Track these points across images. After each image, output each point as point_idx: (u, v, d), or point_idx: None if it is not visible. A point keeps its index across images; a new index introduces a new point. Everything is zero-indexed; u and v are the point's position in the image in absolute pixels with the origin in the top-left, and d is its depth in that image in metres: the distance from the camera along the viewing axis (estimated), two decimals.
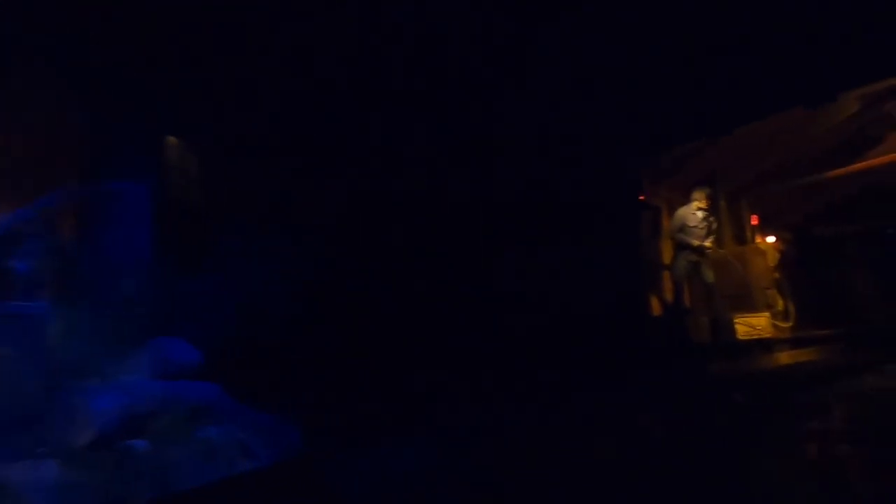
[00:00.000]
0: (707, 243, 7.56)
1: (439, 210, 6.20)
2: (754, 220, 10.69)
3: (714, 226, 7.76)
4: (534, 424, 3.70)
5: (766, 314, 7.71)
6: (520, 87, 6.39)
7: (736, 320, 7.22)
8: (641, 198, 7.73)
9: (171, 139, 5.27)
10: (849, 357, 8.94)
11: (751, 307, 7.97)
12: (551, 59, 6.30)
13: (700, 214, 7.58)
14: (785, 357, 8.01)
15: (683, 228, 7.57)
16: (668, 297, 8.04)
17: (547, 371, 4.85)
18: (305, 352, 4.52)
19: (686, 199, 7.77)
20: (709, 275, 7.60)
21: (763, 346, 7.45)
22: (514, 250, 6.37)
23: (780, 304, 9.43)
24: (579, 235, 6.94)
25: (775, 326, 8.37)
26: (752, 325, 7.41)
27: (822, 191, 11.80)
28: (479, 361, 5.10)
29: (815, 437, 3.09)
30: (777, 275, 9.39)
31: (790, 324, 9.16)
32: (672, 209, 8.16)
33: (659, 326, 7.17)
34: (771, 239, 10.75)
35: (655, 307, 7.98)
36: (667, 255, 8.22)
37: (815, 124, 8.76)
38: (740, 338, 7.21)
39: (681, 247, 7.61)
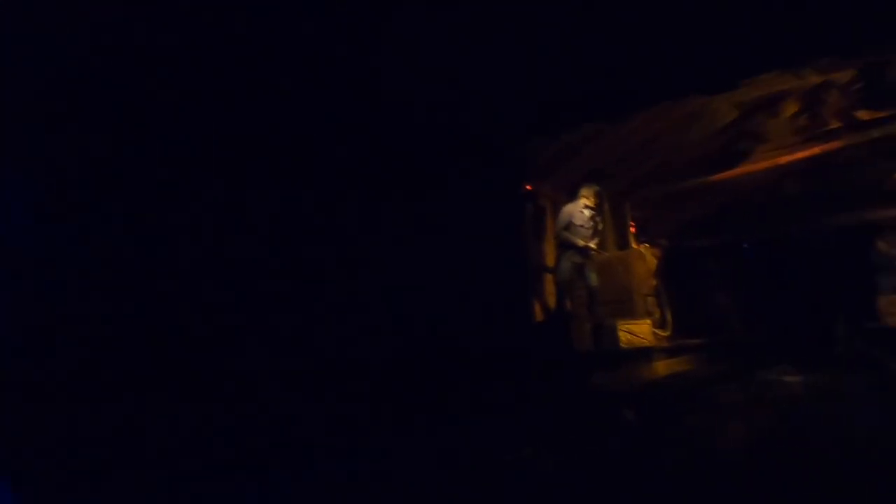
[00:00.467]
0: (593, 244, 7.03)
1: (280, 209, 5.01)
2: (632, 228, 10.51)
3: (600, 226, 7.27)
4: (380, 464, 2.71)
5: (648, 322, 7.32)
6: (380, 58, 5.38)
7: (619, 327, 6.72)
8: (528, 187, 7.05)
9: None
10: (720, 367, 8.87)
11: (632, 314, 7.56)
12: (417, 24, 5.36)
13: (587, 213, 7.05)
14: (664, 366, 7.69)
15: (569, 227, 6.99)
16: (551, 301, 7.42)
17: (406, 393, 3.90)
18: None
19: (571, 198, 7.22)
20: (593, 278, 7.07)
21: (645, 354, 7.02)
22: (370, 245, 5.32)
23: (658, 312, 9.22)
24: (453, 230, 6.08)
25: (654, 335, 8.05)
26: (634, 332, 6.96)
27: (692, 202, 12.01)
28: (329, 383, 4.02)
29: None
30: (655, 282, 9.19)
31: (668, 332, 8.95)
32: (557, 209, 7.60)
33: (541, 334, 6.49)
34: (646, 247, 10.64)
35: (537, 313, 7.33)
36: (550, 256, 7.62)
37: (695, 129, 8.64)
38: (623, 346, 6.71)
39: (565, 247, 7.02)
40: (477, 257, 6.30)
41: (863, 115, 9.11)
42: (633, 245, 9.24)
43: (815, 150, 10.31)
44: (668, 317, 9.32)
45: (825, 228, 13.02)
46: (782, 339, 14.53)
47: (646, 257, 8.76)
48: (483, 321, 6.23)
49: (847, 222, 11.06)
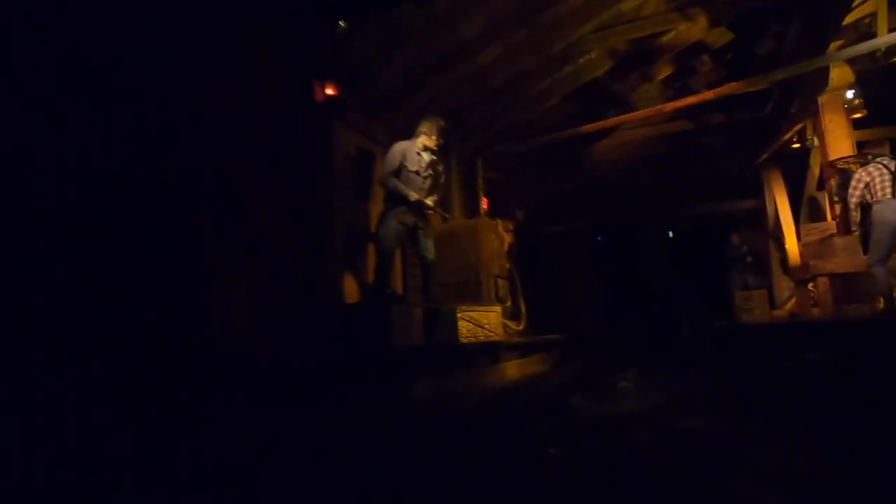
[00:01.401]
0: (430, 201, 5.11)
1: None
2: (485, 205, 8.89)
3: (442, 178, 5.39)
4: None
5: (497, 310, 5.58)
6: None
7: (460, 315, 4.88)
8: (330, 92, 4.90)
9: None
10: (573, 370, 7.49)
11: (478, 298, 5.79)
12: None
13: (426, 157, 5.12)
14: (516, 368, 6.02)
15: (401, 172, 5.01)
16: (370, 277, 5.40)
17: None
18: None
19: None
20: (429, 248, 5.17)
21: (492, 352, 5.26)
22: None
23: (511, 300, 7.62)
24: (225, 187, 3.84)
25: (505, 327, 6.37)
26: (479, 322, 5.16)
27: (549, 182, 10.75)
28: None
29: None
30: (509, 265, 7.57)
31: (522, 326, 7.35)
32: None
33: (352, 321, 4.41)
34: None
35: (349, 292, 5.26)
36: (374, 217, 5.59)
37: (561, 80, 7.14)
38: (464, 339, 4.88)
39: (393, 201, 5.03)
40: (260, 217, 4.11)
41: (733, 87, 8.20)
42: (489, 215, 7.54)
43: (683, 125, 9.46)
44: (523, 307, 7.75)
45: (681, 220, 12.59)
46: (634, 337, 13.96)
47: (499, 230, 7.09)
48: (266, 309, 4.05)
49: (703, 213, 10.44)
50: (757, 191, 9.64)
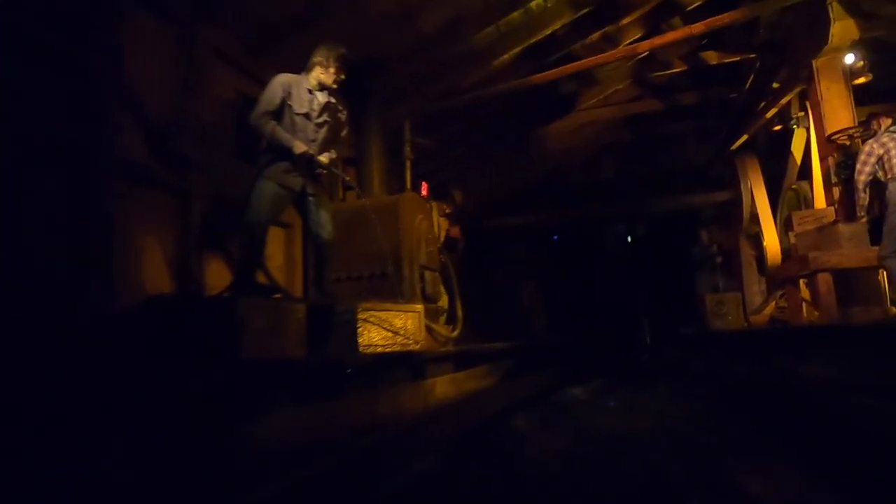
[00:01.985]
0: (324, 157, 3.71)
1: None
2: (424, 191, 7.58)
3: (345, 130, 4.01)
4: None
5: (418, 309, 4.21)
6: None
7: (363, 314, 3.49)
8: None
9: None
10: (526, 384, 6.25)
11: (394, 293, 4.41)
12: None
13: (321, 97, 3.72)
14: (445, 385, 4.66)
15: (283, 114, 3.60)
16: (228, 262, 3.98)
17: None
18: None
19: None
20: (324, 224, 3.78)
21: (411, 365, 3.89)
22: None
23: (446, 300, 6.28)
24: None
25: (432, 332, 5.03)
26: (392, 325, 3.78)
27: (499, 163, 9.49)
28: None
29: None
30: (443, 257, 6.23)
31: (456, 332, 6.02)
32: None
33: (175, 325, 2.95)
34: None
35: (218, 283, 3.81)
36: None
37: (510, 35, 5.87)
38: (376, 349, 3.51)
39: (270, 154, 3.61)
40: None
41: (709, 56, 7.12)
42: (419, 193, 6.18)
43: (651, 105, 8.33)
44: (459, 310, 6.42)
45: (645, 216, 11.49)
46: (593, 345, 12.78)
47: (429, 211, 5.75)
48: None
49: (670, 207, 9.37)
50: (729, 182, 8.61)
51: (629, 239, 14.62)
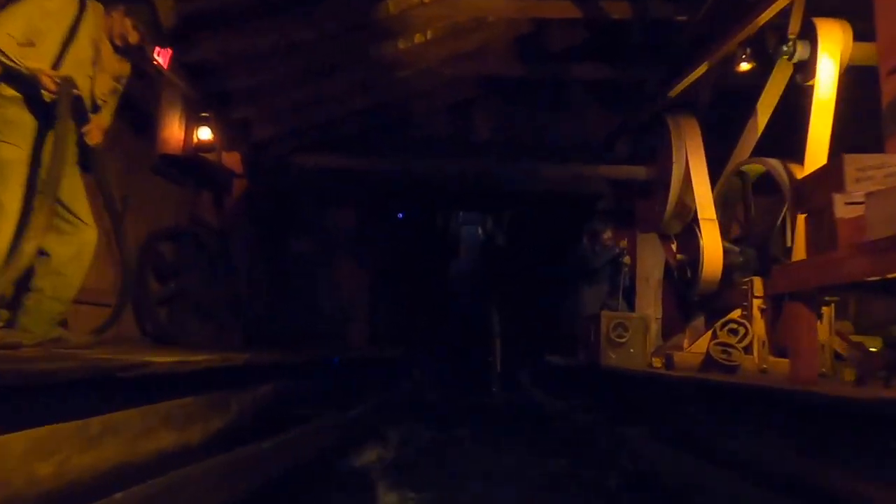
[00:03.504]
0: None
1: None
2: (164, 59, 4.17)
3: None
4: None
5: None
6: None
7: None
8: None
9: None
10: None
11: None
12: None
13: None
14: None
15: None
16: None
17: None
18: None
19: None
20: None
21: None
22: None
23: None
24: None
25: None
26: None
27: (320, 88, 6.17)
28: None
29: None
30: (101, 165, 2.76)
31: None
32: None
33: None
34: None
35: None
36: None
37: None
38: None
39: None
40: None
41: None
42: None
43: (562, 9, 5.49)
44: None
45: (523, 198, 8.48)
46: (431, 366, 9.60)
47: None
48: None
49: (562, 183, 6.57)
50: (647, 157, 6.07)
51: (492, 229, 12.04)
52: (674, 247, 5.88)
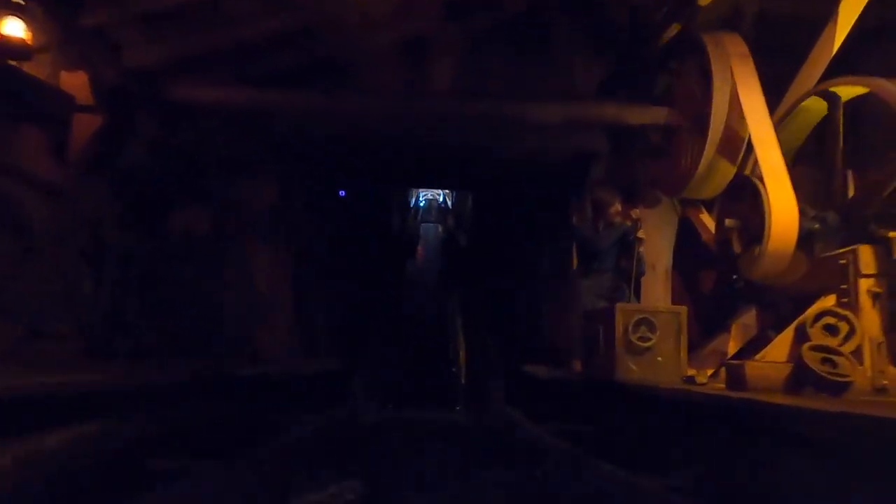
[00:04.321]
0: None
1: None
2: None
3: None
4: None
5: None
6: None
7: None
8: None
9: None
10: None
11: None
12: None
13: None
14: None
15: None
16: None
17: None
18: None
19: None
20: None
21: None
22: None
23: None
24: None
25: None
26: None
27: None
28: None
29: None
30: None
31: None
32: None
33: None
34: None
35: None
36: None
37: None
38: None
39: None
40: None
41: None
42: None
43: None
44: None
45: (499, 164, 6.58)
46: (381, 382, 7.33)
47: None
48: None
49: (546, 127, 4.87)
50: (667, 96, 4.52)
51: (454, 227, 10.46)
52: (705, 217, 4.36)
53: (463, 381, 7.42)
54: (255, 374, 3.74)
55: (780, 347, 2.91)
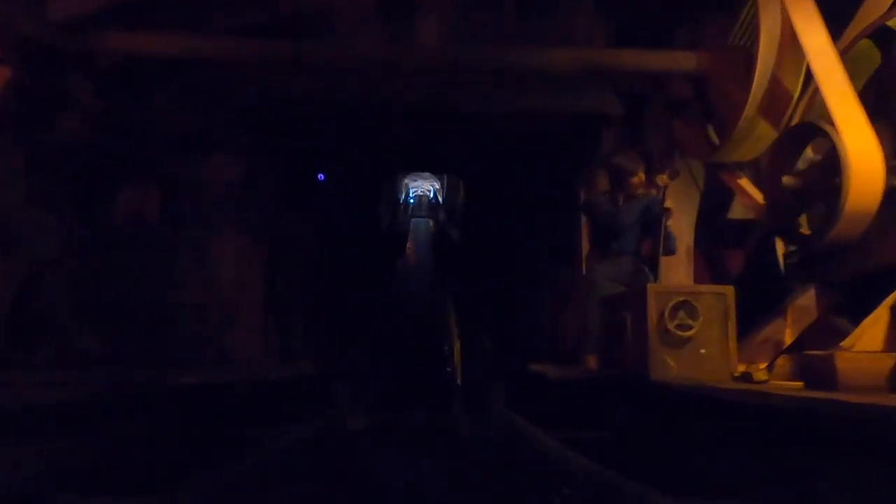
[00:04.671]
0: None
1: None
2: None
3: None
4: None
5: None
6: None
7: None
8: None
9: None
10: None
11: None
12: None
13: None
14: None
15: None
16: None
17: None
18: None
19: None
20: None
21: None
22: None
23: None
24: None
25: None
26: None
27: None
28: None
29: None
30: None
31: None
32: None
33: None
34: None
35: None
36: None
37: None
38: None
39: None
40: None
41: None
42: None
43: None
44: None
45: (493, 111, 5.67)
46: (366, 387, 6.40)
47: None
48: None
49: (554, 77, 4.06)
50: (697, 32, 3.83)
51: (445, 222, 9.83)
52: (745, 182, 3.69)
53: (459, 382, 6.73)
54: (200, 384, 3.02)
55: (873, 333, 2.25)
